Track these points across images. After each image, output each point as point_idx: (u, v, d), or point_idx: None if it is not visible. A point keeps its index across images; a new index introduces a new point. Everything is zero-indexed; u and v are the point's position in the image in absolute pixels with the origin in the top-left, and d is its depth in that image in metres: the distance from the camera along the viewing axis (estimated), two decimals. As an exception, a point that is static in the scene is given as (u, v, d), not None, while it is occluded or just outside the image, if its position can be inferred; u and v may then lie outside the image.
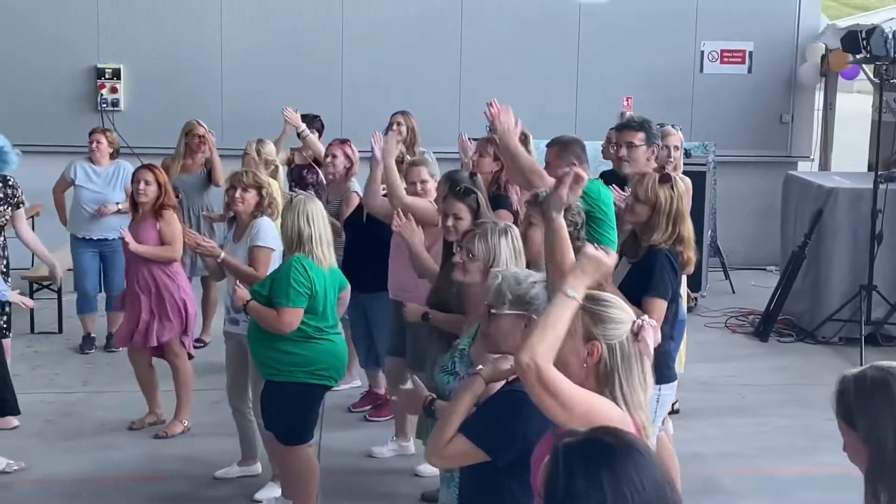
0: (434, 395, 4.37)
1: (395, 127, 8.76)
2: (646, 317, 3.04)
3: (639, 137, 6.28)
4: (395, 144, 6.91)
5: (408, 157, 7.98)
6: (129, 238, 7.17)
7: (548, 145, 6.36)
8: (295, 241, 5.77)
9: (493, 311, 3.75)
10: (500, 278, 3.85)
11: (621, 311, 3.04)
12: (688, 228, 5.45)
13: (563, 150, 6.13)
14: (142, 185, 7.33)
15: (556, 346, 2.94)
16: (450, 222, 5.81)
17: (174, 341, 7.37)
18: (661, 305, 5.23)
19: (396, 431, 7.21)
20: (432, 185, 6.78)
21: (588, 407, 2.90)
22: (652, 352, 3.00)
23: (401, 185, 6.71)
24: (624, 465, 2.27)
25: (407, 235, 6.07)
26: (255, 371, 6.30)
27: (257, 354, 5.95)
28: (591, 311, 3.02)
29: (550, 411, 2.94)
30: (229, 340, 6.69)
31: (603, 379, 3.01)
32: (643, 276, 5.29)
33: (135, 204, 7.47)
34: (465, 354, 4.38)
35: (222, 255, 6.48)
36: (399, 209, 6.33)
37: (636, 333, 3.01)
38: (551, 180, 5.66)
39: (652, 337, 2.98)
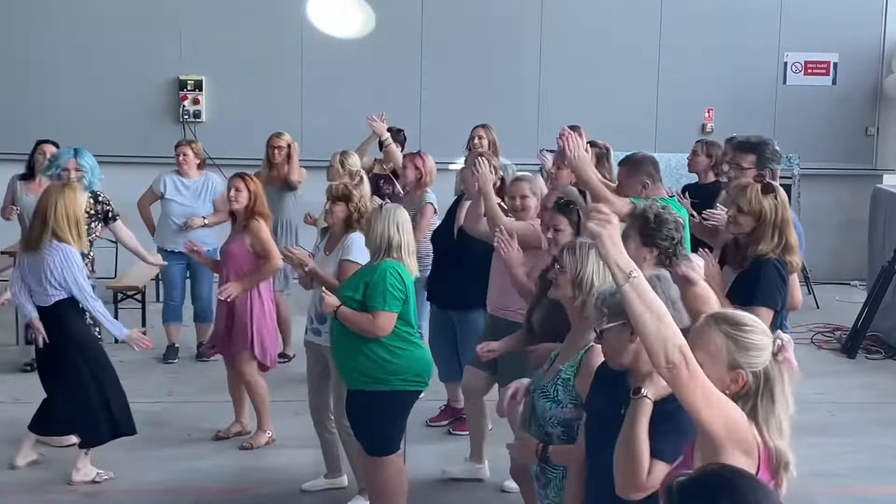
0: (544, 444, 4.32)
1: (476, 140, 8.72)
2: (780, 332, 2.96)
3: (748, 160, 6.18)
4: (489, 172, 6.79)
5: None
6: (230, 291, 7.18)
7: (619, 164, 6.30)
8: (384, 247, 5.76)
9: (597, 329, 3.72)
10: (594, 295, 3.82)
11: (763, 336, 2.97)
12: (793, 235, 5.38)
13: (634, 169, 6.09)
14: (232, 193, 7.35)
15: (677, 328, 2.88)
16: (550, 234, 5.80)
17: (244, 354, 7.37)
18: (767, 315, 5.13)
19: (471, 453, 7.12)
20: (534, 202, 6.69)
21: (727, 414, 2.84)
22: (797, 367, 2.93)
23: (500, 211, 6.62)
24: (745, 499, 2.21)
25: (504, 251, 6.03)
26: (338, 382, 6.29)
27: (345, 364, 5.90)
28: (735, 337, 2.96)
29: (696, 406, 2.86)
30: (310, 351, 6.69)
31: (745, 405, 2.93)
32: (750, 286, 5.23)
33: (234, 214, 7.48)
34: (570, 385, 4.31)
35: (311, 264, 6.49)
36: (501, 228, 6.28)
37: (776, 353, 2.93)
38: (621, 203, 5.61)
39: (792, 353, 2.91)
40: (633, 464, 3.44)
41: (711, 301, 3.85)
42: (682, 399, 2.88)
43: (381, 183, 9.25)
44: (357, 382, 5.85)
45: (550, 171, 7.27)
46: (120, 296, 10.00)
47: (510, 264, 6.06)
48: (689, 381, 2.83)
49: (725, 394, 2.91)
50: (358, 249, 6.43)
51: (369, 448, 5.94)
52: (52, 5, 12.13)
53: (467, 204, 7.11)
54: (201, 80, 12.22)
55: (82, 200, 6.84)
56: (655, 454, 3.45)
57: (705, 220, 6.18)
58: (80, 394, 6.73)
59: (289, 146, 9.40)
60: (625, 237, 5.00)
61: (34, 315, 6.68)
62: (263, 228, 7.32)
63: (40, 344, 6.69)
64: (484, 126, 8.98)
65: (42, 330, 6.65)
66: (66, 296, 6.64)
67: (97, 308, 6.67)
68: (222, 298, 7.20)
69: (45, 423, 6.96)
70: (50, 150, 8.75)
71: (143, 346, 6.90)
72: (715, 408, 2.84)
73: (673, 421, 3.43)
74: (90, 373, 6.75)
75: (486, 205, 6.64)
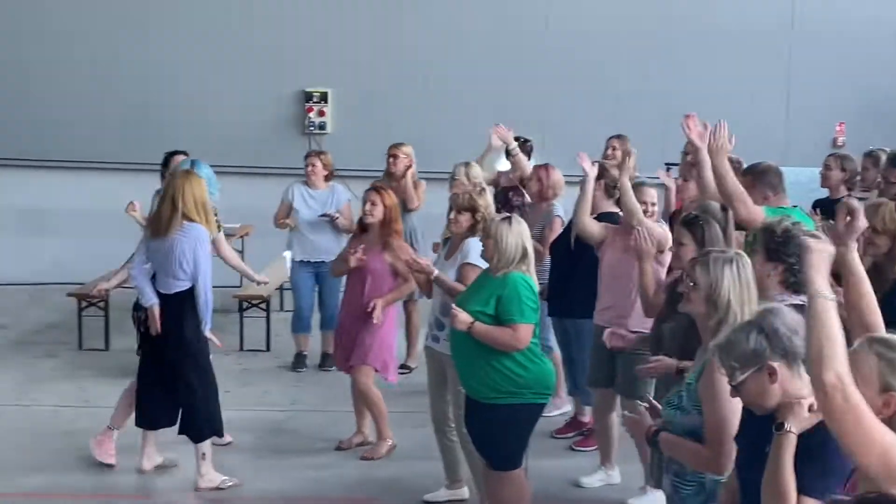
0: (659, 427, 4.25)
1: (609, 151, 8.64)
2: None
3: None
4: (631, 166, 6.84)
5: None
6: (377, 315, 7.21)
7: (743, 173, 6.17)
8: (516, 259, 5.71)
9: (732, 384, 3.59)
10: (713, 352, 3.69)
11: None
12: None
13: (758, 179, 5.98)
14: (368, 206, 7.37)
15: (844, 356, 2.84)
16: (673, 247, 5.73)
17: (365, 367, 7.39)
18: None
19: (602, 460, 7.07)
20: (658, 210, 6.71)
21: (886, 444, 2.73)
22: None
23: (637, 205, 6.62)
24: None
25: (641, 244, 6.01)
26: (456, 392, 6.28)
27: (471, 377, 5.84)
28: (889, 359, 2.86)
29: (850, 439, 2.78)
30: (430, 358, 6.70)
31: None
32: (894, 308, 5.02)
33: (362, 225, 7.52)
34: (692, 390, 4.23)
35: (436, 272, 6.51)
36: (642, 222, 6.27)
37: None
38: (756, 209, 5.48)
39: None
40: (780, 500, 3.35)
41: (866, 288, 3.60)
42: (832, 429, 2.81)
43: (511, 195, 9.17)
44: (485, 396, 5.78)
45: (678, 182, 7.21)
46: (245, 304, 10.13)
47: (643, 256, 6.04)
48: (844, 410, 2.76)
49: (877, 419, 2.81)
50: (476, 252, 6.42)
51: (494, 463, 5.89)
52: (178, 19, 12.38)
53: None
54: (326, 93, 12.35)
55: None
56: (804, 490, 3.35)
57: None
58: (184, 386, 6.85)
59: (408, 169, 9.35)
60: (751, 251, 4.89)
61: (154, 302, 6.80)
62: (405, 249, 7.34)
63: (153, 332, 6.80)
64: (619, 137, 8.89)
65: (158, 320, 6.76)
66: (188, 285, 6.76)
67: (208, 294, 6.77)
68: (375, 322, 7.21)
69: (146, 417, 7.03)
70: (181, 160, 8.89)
71: (217, 345, 7.12)
72: (868, 438, 2.74)
73: (819, 454, 3.34)
74: (196, 368, 6.87)
75: (623, 199, 6.68)
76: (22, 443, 7.68)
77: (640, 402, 4.28)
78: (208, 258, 6.81)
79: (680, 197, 7.83)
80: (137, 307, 7.09)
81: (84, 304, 9.82)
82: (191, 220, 6.73)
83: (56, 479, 7.07)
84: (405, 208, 9.24)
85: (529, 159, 9.34)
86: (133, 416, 7.11)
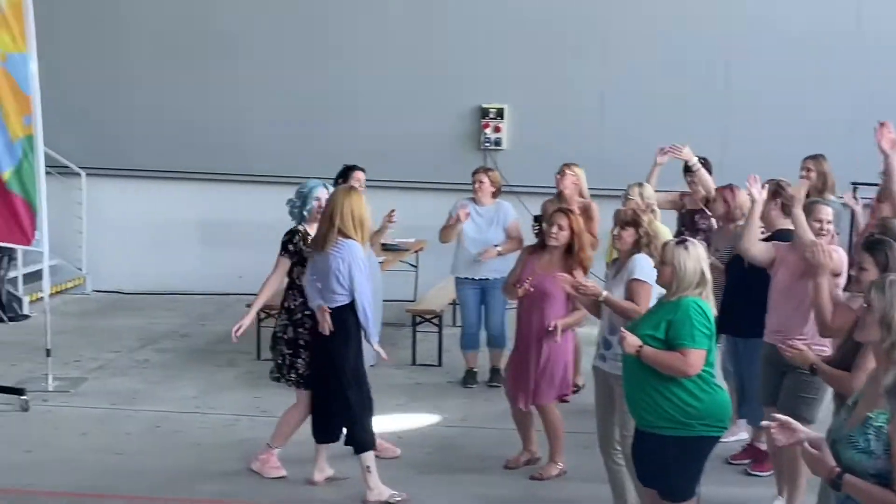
0: (841, 470, 4.06)
1: (804, 172, 8.41)
2: None
3: None
4: (801, 197, 6.68)
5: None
6: (558, 336, 7.18)
7: None
8: (694, 284, 5.58)
9: None
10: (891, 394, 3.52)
11: None
12: None
13: None
14: (555, 230, 7.31)
15: None
16: (853, 271, 5.52)
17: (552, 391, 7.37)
18: None
19: (779, 489, 6.86)
20: (833, 230, 6.59)
21: None
22: None
23: (810, 235, 6.44)
24: None
25: (819, 259, 5.84)
26: (623, 411, 6.19)
27: (639, 406, 5.70)
28: None
29: None
30: (597, 377, 6.64)
31: None
32: None
33: (542, 244, 7.46)
34: (883, 433, 4.04)
35: (604, 294, 6.45)
36: (818, 242, 6.14)
37: None
38: None
39: None
40: None
41: None
42: None
43: (697, 218, 9.00)
44: (653, 425, 5.62)
45: (871, 204, 7.00)
46: (418, 319, 10.22)
47: (821, 272, 5.88)
48: None
49: None
50: (643, 268, 6.36)
51: (665, 494, 5.73)
52: (357, 34, 12.59)
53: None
54: (503, 109, 12.38)
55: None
56: None
57: None
58: (341, 398, 6.95)
59: (587, 209, 9.09)
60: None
61: (320, 301, 6.93)
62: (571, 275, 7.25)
63: (325, 331, 6.91)
64: (813, 157, 8.62)
65: (328, 318, 6.87)
66: (347, 300, 6.87)
67: (367, 308, 6.87)
68: (558, 341, 7.18)
69: (321, 431, 7.18)
70: (359, 175, 9.02)
71: (383, 358, 7.18)
72: None
73: None
74: (356, 380, 6.97)
75: (794, 221, 6.54)
76: (200, 450, 7.92)
77: (772, 417, 4.10)
78: (364, 273, 6.89)
79: (874, 217, 7.58)
80: (277, 341, 7.30)
81: (262, 315, 10.05)
82: (347, 236, 6.85)
83: (231, 488, 7.26)
84: None
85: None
86: (290, 432, 7.34)
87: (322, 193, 7.31)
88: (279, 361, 7.33)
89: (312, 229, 7.22)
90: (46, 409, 8.73)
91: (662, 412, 5.57)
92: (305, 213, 7.32)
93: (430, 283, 11.09)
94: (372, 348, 7.07)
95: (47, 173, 9.36)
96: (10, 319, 11.57)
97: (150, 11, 12.86)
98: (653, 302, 6.14)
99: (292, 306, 7.26)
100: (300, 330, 7.22)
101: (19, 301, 11.79)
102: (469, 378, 9.50)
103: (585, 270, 7.28)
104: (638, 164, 9.92)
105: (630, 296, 6.39)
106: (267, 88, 12.72)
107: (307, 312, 7.14)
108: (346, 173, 9.12)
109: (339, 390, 6.96)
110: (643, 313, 5.98)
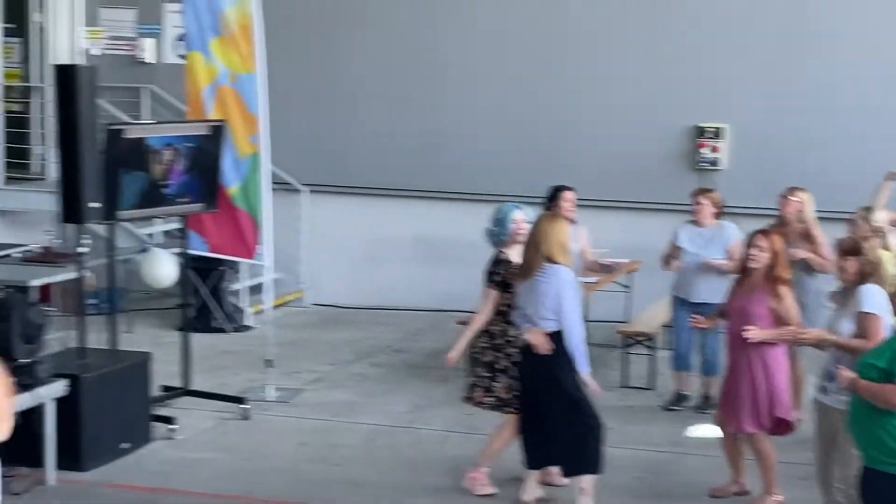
0: None
1: None
2: None
3: None
4: None
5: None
6: (754, 335, 6.97)
7: None
8: None
9: None
10: None
11: None
12: None
13: None
14: (754, 251, 7.17)
15: None
16: None
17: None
18: None
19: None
20: None
21: None
22: None
23: None
24: None
25: None
26: (845, 452, 5.97)
27: (863, 441, 5.48)
28: None
29: None
30: (817, 411, 6.41)
31: None
32: None
33: (744, 268, 7.34)
34: None
35: (825, 337, 6.29)
36: None
37: None
38: None
39: None
40: None
41: None
42: None
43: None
44: (876, 462, 5.33)
45: None
46: (629, 341, 10.11)
47: None
48: None
49: None
50: (871, 300, 6.14)
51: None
52: (571, 60, 12.59)
53: None
54: (721, 129, 12.15)
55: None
56: None
57: None
58: (563, 423, 6.93)
59: (807, 233, 8.82)
60: None
61: (529, 325, 6.95)
62: (788, 296, 7.09)
63: (543, 352, 6.90)
64: None
65: (543, 342, 6.86)
66: (556, 327, 6.88)
67: (577, 334, 6.86)
68: (750, 338, 6.96)
69: (529, 456, 7.17)
70: (568, 195, 9.02)
71: (594, 389, 7.09)
72: None
73: None
74: (577, 402, 6.94)
75: None
76: (411, 465, 8.03)
77: None
78: (574, 300, 6.88)
79: None
80: (474, 362, 7.33)
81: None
82: (554, 262, 6.85)
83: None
84: (808, 268, 8.81)
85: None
86: (497, 453, 7.38)
87: (518, 216, 7.33)
88: (472, 382, 7.39)
89: (513, 253, 7.25)
90: (266, 419, 9.03)
91: (884, 447, 5.30)
92: (505, 237, 7.35)
93: (644, 304, 10.95)
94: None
95: (271, 190, 9.69)
96: (234, 330, 12.04)
97: (377, 37, 13.16)
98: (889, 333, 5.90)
99: (494, 331, 7.30)
100: (498, 354, 7.27)
101: (242, 312, 12.25)
102: (676, 400, 9.36)
103: (785, 290, 7.07)
104: (867, 183, 9.55)
105: (860, 331, 6.14)
106: (481, 109, 12.84)
107: (508, 339, 7.19)
108: (555, 193, 9.14)
109: (551, 414, 6.95)
110: (870, 348, 5.73)
